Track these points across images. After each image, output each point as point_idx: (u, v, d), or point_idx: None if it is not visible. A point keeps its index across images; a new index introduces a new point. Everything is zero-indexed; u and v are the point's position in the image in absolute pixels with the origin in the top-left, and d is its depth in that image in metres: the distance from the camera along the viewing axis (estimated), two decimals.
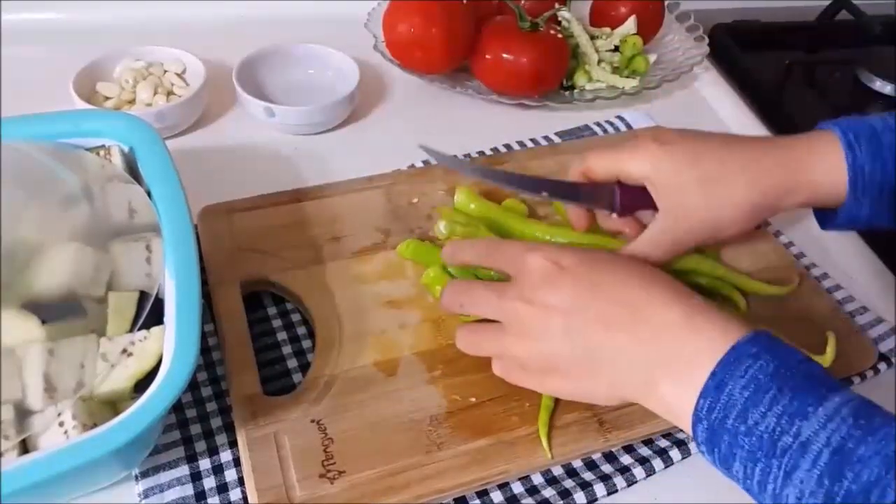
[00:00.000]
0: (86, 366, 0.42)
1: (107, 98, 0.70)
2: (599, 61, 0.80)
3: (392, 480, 0.45)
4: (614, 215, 0.56)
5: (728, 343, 0.39)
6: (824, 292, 0.59)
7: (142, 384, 0.42)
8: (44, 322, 0.42)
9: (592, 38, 0.81)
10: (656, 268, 0.47)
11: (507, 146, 0.71)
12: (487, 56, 0.73)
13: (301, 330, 0.55)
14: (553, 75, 0.75)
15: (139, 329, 0.44)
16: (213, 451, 0.48)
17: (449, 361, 0.52)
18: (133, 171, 0.51)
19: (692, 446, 0.50)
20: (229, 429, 0.48)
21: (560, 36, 0.74)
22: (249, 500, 0.44)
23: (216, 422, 0.49)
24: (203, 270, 0.52)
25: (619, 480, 0.48)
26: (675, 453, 0.49)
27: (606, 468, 0.48)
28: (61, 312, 0.43)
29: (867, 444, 0.35)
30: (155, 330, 0.43)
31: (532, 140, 0.72)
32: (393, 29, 0.74)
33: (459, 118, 0.76)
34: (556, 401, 0.49)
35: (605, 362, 0.43)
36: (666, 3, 0.85)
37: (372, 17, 0.81)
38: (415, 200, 0.63)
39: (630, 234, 0.56)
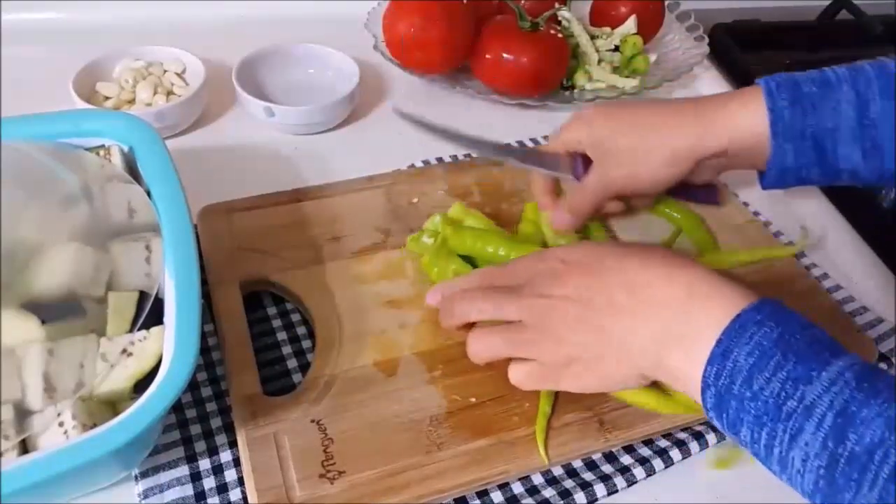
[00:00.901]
0: (85, 366, 0.42)
1: (107, 98, 0.70)
2: (599, 61, 0.80)
3: (392, 480, 0.45)
4: (576, 182, 0.59)
5: (733, 312, 0.40)
6: (824, 292, 0.59)
7: (142, 384, 0.42)
8: (44, 322, 0.42)
9: (592, 37, 0.81)
10: (660, 246, 0.48)
11: (507, 146, 0.71)
12: (487, 56, 0.73)
13: (301, 330, 0.55)
14: (553, 75, 0.75)
15: (139, 329, 0.44)
16: (212, 452, 0.48)
17: (449, 361, 0.52)
18: (133, 170, 0.51)
19: (692, 446, 0.50)
20: (229, 429, 0.48)
21: (560, 36, 0.74)
22: (249, 501, 0.44)
23: (216, 422, 0.49)
24: (203, 270, 0.52)
25: (619, 480, 0.48)
26: (675, 453, 0.49)
27: (606, 468, 0.48)
28: (61, 312, 0.43)
29: (870, 407, 0.35)
30: (155, 330, 0.43)
31: (532, 140, 0.72)
32: (393, 29, 0.74)
33: (459, 118, 0.75)
34: (554, 405, 0.49)
35: (617, 344, 0.44)
36: (666, 2, 0.85)
37: (372, 17, 0.81)
38: (415, 200, 0.63)
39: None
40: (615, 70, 0.80)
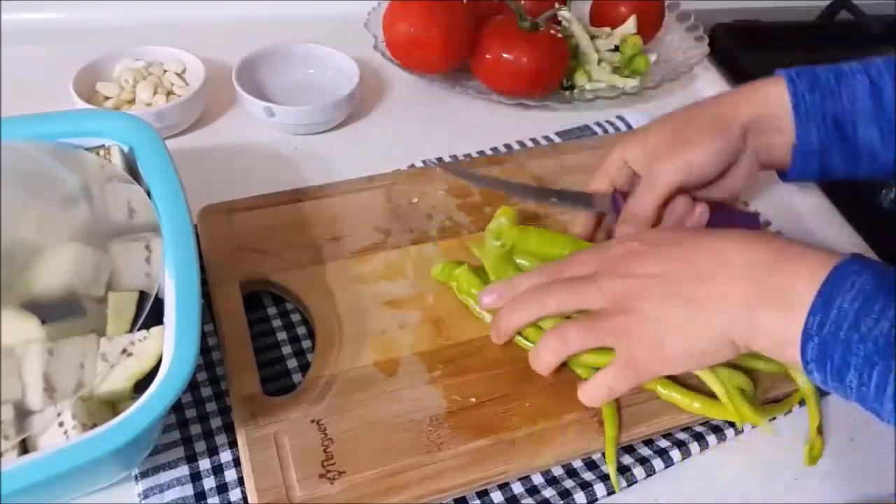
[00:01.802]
0: (85, 366, 0.42)
1: (107, 98, 0.70)
2: (599, 61, 0.80)
3: (392, 481, 0.45)
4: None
5: (828, 265, 0.41)
6: None
7: (142, 384, 0.42)
8: (44, 322, 0.42)
9: (592, 37, 0.81)
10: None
11: (508, 146, 0.71)
12: (487, 56, 0.73)
13: (301, 330, 0.55)
14: (553, 75, 0.75)
15: (139, 329, 0.44)
16: (212, 451, 0.48)
17: (449, 361, 0.52)
18: (133, 170, 0.51)
19: (692, 447, 0.50)
20: (229, 429, 0.48)
21: (560, 36, 0.74)
22: (249, 501, 0.44)
23: (216, 422, 0.49)
24: (203, 270, 0.52)
25: (619, 480, 0.48)
26: (675, 453, 0.49)
27: (607, 468, 0.48)
28: (61, 312, 0.43)
29: None
30: (155, 330, 0.43)
31: (532, 140, 0.72)
32: (393, 29, 0.74)
33: (459, 118, 0.76)
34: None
35: (708, 313, 0.45)
36: (666, 3, 0.85)
37: (372, 17, 0.81)
38: (415, 200, 0.63)
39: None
40: (615, 70, 0.80)
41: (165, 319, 0.43)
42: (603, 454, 0.49)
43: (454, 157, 0.69)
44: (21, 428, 0.40)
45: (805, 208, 0.69)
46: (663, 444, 0.50)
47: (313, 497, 0.44)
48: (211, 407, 0.50)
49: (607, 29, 0.82)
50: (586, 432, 0.49)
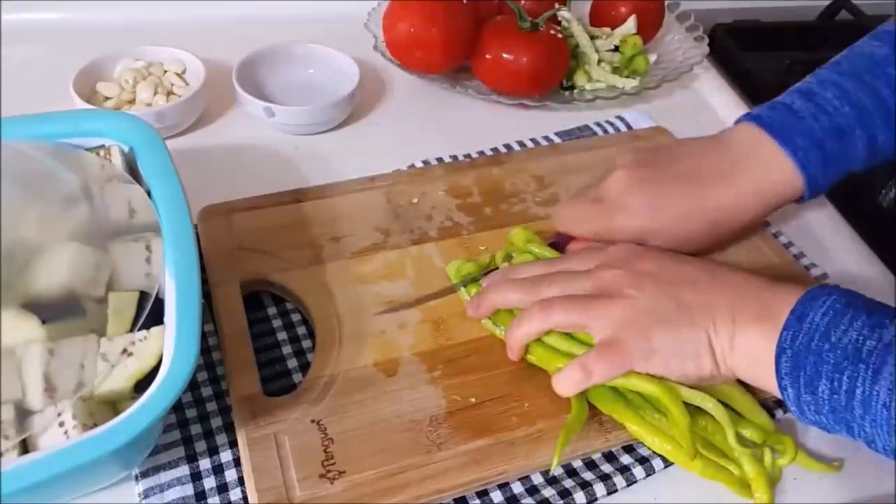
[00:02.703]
0: (86, 366, 0.42)
1: (107, 98, 0.70)
2: (599, 61, 0.80)
3: (392, 481, 0.45)
4: None
5: (803, 290, 0.45)
6: None
7: (142, 384, 0.42)
8: (44, 322, 0.42)
9: (592, 38, 0.81)
10: None
11: (507, 146, 0.71)
12: (487, 56, 0.73)
13: (301, 330, 0.55)
14: (553, 75, 0.75)
15: (139, 329, 0.44)
16: (213, 451, 0.48)
17: (449, 361, 0.52)
18: (133, 171, 0.51)
19: None
20: (229, 429, 0.49)
21: (560, 36, 0.74)
22: (249, 501, 0.45)
23: (216, 422, 0.49)
24: (203, 270, 0.52)
25: (619, 480, 0.48)
26: None
27: (606, 468, 0.48)
28: (61, 312, 0.43)
29: None
30: (155, 330, 0.43)
31: (532, 140, 0.72)
32: (393, 29, 0.74)
33: (459, 118, 0.76)
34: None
35: (695, 314, 0.46)
36: (666, 3, 0.85)
37: (372, 17, 0.81)
38: (415, 200, 0.63)
39: None
40: (615, 70, 0.80)
41: (166, 319, 0.43)
42: (603, 454, 0.49)
43: (454, 157, 0.69)
44: (21, 428, 0.40)
45: (805, 208, 0.69)
46: None
47: (313, 497, 0.44)
48: (211, 407, 0.50)
49: (607, 29, 0.82)
50: (586, 432, 0.49)
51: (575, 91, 0.79)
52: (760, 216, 0.56)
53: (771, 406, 0.51)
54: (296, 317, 0.55)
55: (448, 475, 0.46)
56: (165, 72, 0.73)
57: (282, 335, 0.54)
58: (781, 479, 0.49)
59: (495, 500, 0.47)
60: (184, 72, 0.74)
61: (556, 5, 0.78)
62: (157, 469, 0.46)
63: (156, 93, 0.71)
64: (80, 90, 0.68)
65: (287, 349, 0.54)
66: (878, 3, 0.99)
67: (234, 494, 0.46)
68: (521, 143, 0.72)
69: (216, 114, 0.73)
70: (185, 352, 0.41)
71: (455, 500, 0.46)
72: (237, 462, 0.47)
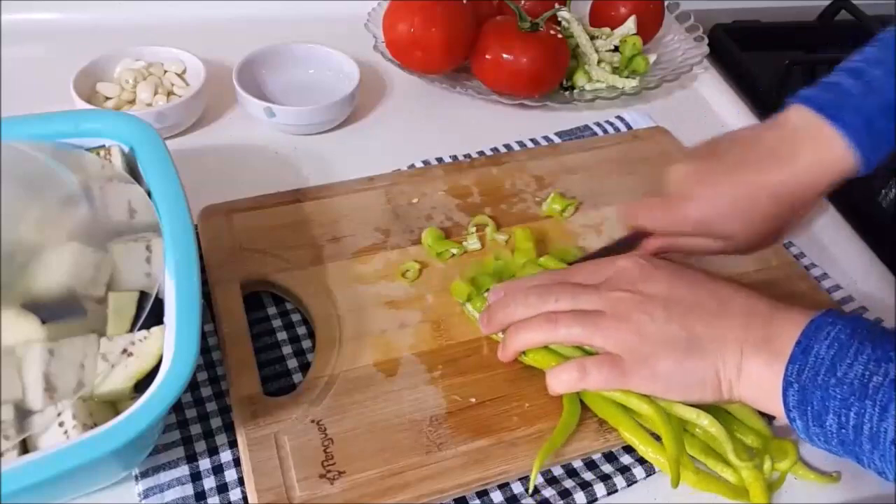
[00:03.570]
0: (86, 366, 0.42)
1: (107, 98, 0.70)
2: (599, 61, 0.80)
3: (392, 481, 0.45)
4: None
5: (808, 319, 0.44)
6: (824, 292, 0.59)
7: (142, 384, 0.42)
8: (44, 322, 0.42)
9: (592, 38, 0.81)
10: None
11: (507, 146, 0.71)
12: (487, 56, 0.73)
13: (301, 330, 0.55)
14: (553, 75, 0.75)
15: (139, 329, 0.44)
16: (213, 451, 0.48)
17: (449, 361, 0.52)
18: (133, 171, 0.51)
19: None
20: (229, 429, 0.49)
21: (560, 36, 0.74)
22: (249, 501, 0.45)
23: (216, 422, 0.49)
24: (203, 270, 0.52)
25: (619, 480, 0.48)
26: None
27: (606, 468, 0.48)
28: (61, 312, 0.43)
29: None
30: (155, 330, 0.43)
31: (532, 140, 0.72)
32: (393, 29, 0.74)
33: (459, 118, 0.76)
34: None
35: (705, 344, 0.46)
36: (666, 3, 0.85)
37: (372, 17, 0.82)
38: (415, 200, 0.63)
39: None
40: (615, 70, 0.80)
41: (166, 319, 0.43)
42: (603, 454, 0.49)
43: (454, 157, 0.69)
44: (21, 428, 0.40)
45: None
46: None
47: (313, 497, 0.44)
48: (211, 407, 0.50)
49: (607, 29, 0.82)
50: (586, 432, 0.49)
51: (575, 91, 0.79)
52: (820, 193, 0.54)
53: None
54: (296, 317, 0.55)
55: (448, 475, 0.46)
56: (166, 72, 0.73)
57: (282, 335, 0.54)
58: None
59: (495, 500, 0.47)
60: (184, 72, 0.74)
61: (556, 5, 0.78)
62: (157, 469, 0.46)
63: (156, 93, 0.71)
64: (81, 90, 0.68)
65: (287, 349, 0.54)
66: (879, 3, 0.99)
67: (234, 494, 0.46)
68: (520, 143, 0.72)
69: (216, 114, 0.73)
70: (185, 352, 0.41)
71: (455, 500, 0.46)
72: (237, 462, 0.47)
